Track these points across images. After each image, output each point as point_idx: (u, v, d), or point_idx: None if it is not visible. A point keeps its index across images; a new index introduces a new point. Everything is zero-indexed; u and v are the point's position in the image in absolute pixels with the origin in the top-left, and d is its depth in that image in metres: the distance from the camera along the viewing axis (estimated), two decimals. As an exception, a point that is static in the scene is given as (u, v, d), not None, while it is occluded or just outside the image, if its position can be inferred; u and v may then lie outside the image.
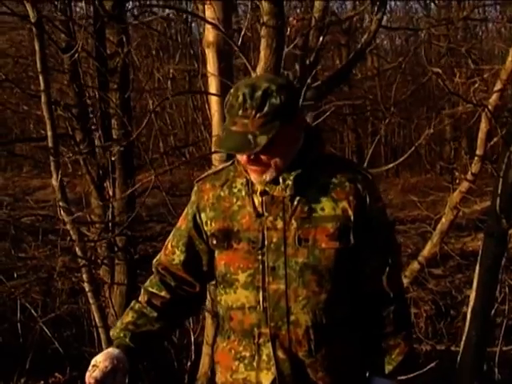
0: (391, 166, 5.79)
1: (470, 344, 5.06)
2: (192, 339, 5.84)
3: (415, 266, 5.63)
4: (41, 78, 5.37)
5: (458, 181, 5.47)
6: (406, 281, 5.63)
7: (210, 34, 4.96)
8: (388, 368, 2.49)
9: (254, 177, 2.40)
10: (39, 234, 6.60)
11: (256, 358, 2.45)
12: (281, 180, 2.39)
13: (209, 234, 2.52)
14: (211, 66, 5.00)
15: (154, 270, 2.67)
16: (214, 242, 2.49)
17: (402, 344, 2.49)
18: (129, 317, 2.58)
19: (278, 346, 2.42)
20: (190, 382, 5.65)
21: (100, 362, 2.41)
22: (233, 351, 2.50)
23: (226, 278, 2.48)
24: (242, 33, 4.79)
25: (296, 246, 2.38)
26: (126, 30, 6.50)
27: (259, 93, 2.27)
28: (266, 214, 2.41)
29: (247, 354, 2.47)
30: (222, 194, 2.50)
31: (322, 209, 2.39)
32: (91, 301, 5.80)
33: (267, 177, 2.37)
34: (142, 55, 11.23)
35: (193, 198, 2.59)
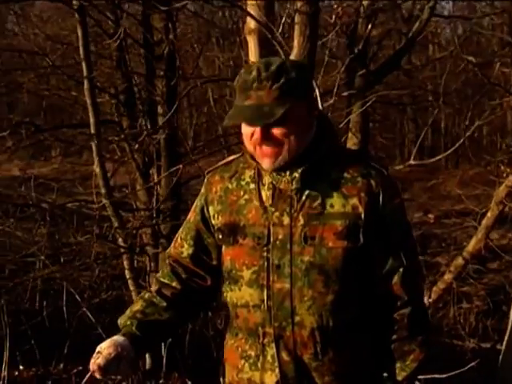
0: (439, 158, 5.66)
1: (512, 343, 4.92)
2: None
3: (459, 261, 5.48)
4: (83, 64, 5.40)
5: (504, 175, 5.30)
6: (449, 276, 5.50)
7: (251, 21, 4.86)
8: (402, 374, 2.36)
9: (265, 162, 2.28)
10: (84, 220, 6.63)
11: (261, 358, 2.37)
12: (288, 172, 2.29)
13: (216, 227, 2.44)
14: (252, 53, 4.91)
15: (166, 261, 2.62)
16: (220, 236, 2.42)
17: (417, 350, 2.36)
18: (138, 305, 2.53)
19: (283, 347, 2.33)
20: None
21: (104, 348, 2.36)
22: (240, 349, 2.43)
23: (231, 274, 2.40)
24: (283, 20, 4.70)
25: (302, 244, 2.28)
26: (171, 16, 6.46)
27: (274, 66, 2.22)
28: (272, 208, 2.31)
29: (252, 354, 2.39)
30: (230, 186, 2.42)
31: (332, 205, 2.28)
32: (131, 288, 5.84)
33: (280, 161, 2.26)
34: (201, 42, 11.19)
35: (202, 190, 2.51)
